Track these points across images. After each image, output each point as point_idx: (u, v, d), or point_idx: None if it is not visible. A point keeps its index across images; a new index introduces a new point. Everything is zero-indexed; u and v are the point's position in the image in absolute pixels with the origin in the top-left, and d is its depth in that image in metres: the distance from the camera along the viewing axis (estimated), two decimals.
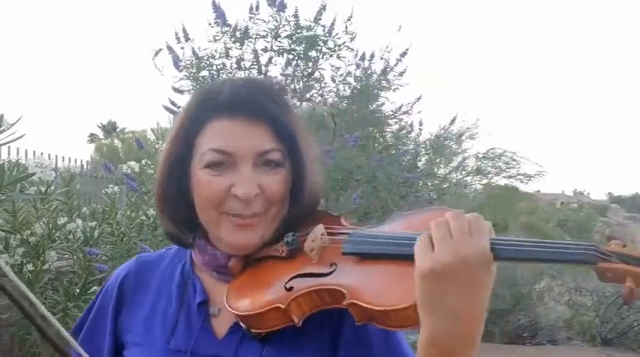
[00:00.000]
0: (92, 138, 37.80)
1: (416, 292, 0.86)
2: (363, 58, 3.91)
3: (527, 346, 10.36)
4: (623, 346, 9.75)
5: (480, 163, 6.66)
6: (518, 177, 7.11)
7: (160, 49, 4.18)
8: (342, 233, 1.04)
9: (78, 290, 3.53)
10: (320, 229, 1.06)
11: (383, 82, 3.90)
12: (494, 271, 0.87)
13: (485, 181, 7.15)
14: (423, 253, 0.86)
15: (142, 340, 1.12)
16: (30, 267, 3.47)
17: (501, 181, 7.63)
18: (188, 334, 1.09)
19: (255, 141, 1.05)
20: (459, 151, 6.25)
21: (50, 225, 3.65)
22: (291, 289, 1.00)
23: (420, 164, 4.69)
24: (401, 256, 0.94)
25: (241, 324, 1.04)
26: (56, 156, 7.18)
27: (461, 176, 6.75)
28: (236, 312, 1.03)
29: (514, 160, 6.69)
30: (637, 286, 0.82)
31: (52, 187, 3.70)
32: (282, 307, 0.97)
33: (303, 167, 1.09)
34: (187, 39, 4.39)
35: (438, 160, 5.17)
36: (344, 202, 3.38)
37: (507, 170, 6.87)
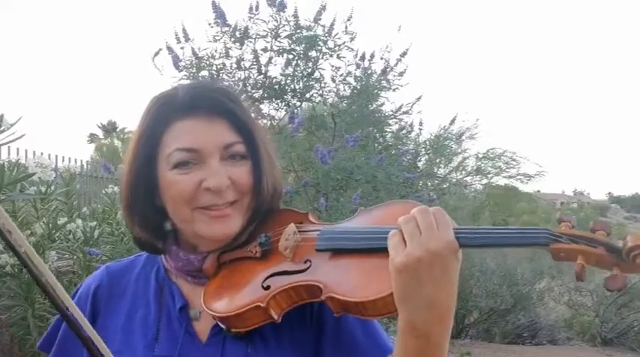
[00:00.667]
0: (92, 138, 37.74)
1: (392, 285, 0.91)
2: (363, 58, 3.90)
3: (527, 346, 10.36)
4: (622, 346, 9.75)
5: (480, 163, 6.64)
6: (518, 177, 7.11)
7: (160, 50, 4.18)
8: (314, 230, 1.07)
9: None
10: (292, 227, 1.09)
11: (383, 82, 3.89)
12: (460, 258, 0.93)
13: (485, 181, 7.13)
14: (396, 249, 0.91)
15: (122, 347, 1.11)
16: None
17: (501, 181, 7.62)
18: (172, 340, 1.09)
19: (219, 135, 1.08)
20: (459, 151, 6.24)
21: (50, 225, 3.65)
22: (268, 287, 1.02)
23: (419, 164, 4.68)
24: (373, 249, 0.98)
25: (220, 324, 1.06)
26: (56, 156, 7.17)
27: (461, 176, 6.75)
28: (215, 313, 1.04)
29: (514, 160, 6.69)
30: (587, 263, 0.87)
31: (52, 187, 3.70)
32: (262, 305, 1.00)
33: (261, 159, 1.12)
34: (187, 39, 4.39)
35: (437, 160, 5.16)
36: (344, 202, 3.37)
37: (507, 170, 6.87)
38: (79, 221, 3.92)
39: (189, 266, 1.13)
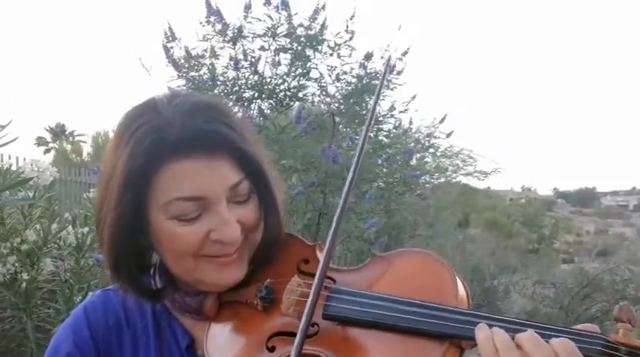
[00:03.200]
0: (39, 141, 36.50)
1: None
2: (368, 57, 3.90)
3: None
4: None
5: (438, 161, 6.73)
6: (475, 174, 7.24)
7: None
8: (322, 285, 0.92)
9: (79, 299, 3.40)
10: (296, 281, 0.98)
11: (384, 82, 3.88)
12: None
13: (443, 179, 7.24)
14: None
15: None
16: (25, 276, 3.32)
17: (458, 179, 7.76)
18: None
19: (223, 176, 0.95)
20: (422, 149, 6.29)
21: (42, 232, 3.51)
22: (273, 349, 0.93)
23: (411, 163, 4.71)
24: (394, 326, 0.87)
25: None
26: (24, 159, 6.93)
27: (420, 174, 6.80)
28: None
29: (471, 157, 6.79)
30: None
31: (36, 192, 3.55)
32: None
33: (270, 191, 1.02)
34: (174, 38, 4.30)
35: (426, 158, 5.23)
36: (356, 200, 3.36)
37: (465, 168, 6.98)
38: (70, 228, 3.79)
39: (185, 307, 1.04)
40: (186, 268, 0.98)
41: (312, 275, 0.92)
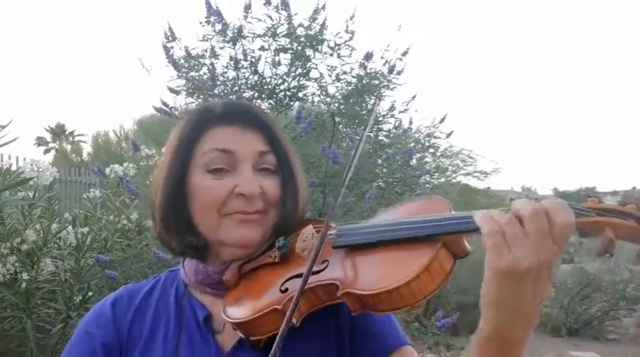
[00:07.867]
0: (39, 141, 36.54)
1: (486, 290, 0.83)
2: (367, 57, 3.89)
3: None
4: (587, 336, 10.10)
5: (438, 161, 6.72)
6: (475, 174, 7.23)
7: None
8: (330, 232, 1.05)
9: (79, 299, 3.40)
10: (310, 229, 1.09)
11: (383, 82, 3.90)
12: None
13: (443, 179, 7.23)
14: (499, 251, 0.81)
15: None
16: (25, 276, 3.31)
17: (458, 179, 7.74)
18: (192, 353, 1.08)
19: (254, 143, 1.11)
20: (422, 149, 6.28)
21: (42, 232, 3.50)
22: (286, 290, 1.01)
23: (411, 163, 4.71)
24: (389, 240, 0.96)
25: (239, 333, 1.03)
26: (24, 159, 6.91)
27: (419, 173, 6.78)
28: (232, 320, 1.02)
29: (471, 157, 6.78)
30: (616, 236, 0.83)
31: (37, 193, 3.55)
32: (279, 307, 0.98)
33: (292, 176, 1.14)
34: (174, 38, 4.30)
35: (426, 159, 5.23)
36: (357, 200, 3.36)
37: (465, 168, 6.97)
38: (70, 228, 3.79)
39: (208, 279, 1.13)
40: (211, 225, 1.08)
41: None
